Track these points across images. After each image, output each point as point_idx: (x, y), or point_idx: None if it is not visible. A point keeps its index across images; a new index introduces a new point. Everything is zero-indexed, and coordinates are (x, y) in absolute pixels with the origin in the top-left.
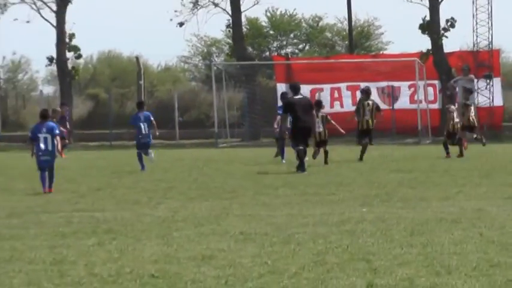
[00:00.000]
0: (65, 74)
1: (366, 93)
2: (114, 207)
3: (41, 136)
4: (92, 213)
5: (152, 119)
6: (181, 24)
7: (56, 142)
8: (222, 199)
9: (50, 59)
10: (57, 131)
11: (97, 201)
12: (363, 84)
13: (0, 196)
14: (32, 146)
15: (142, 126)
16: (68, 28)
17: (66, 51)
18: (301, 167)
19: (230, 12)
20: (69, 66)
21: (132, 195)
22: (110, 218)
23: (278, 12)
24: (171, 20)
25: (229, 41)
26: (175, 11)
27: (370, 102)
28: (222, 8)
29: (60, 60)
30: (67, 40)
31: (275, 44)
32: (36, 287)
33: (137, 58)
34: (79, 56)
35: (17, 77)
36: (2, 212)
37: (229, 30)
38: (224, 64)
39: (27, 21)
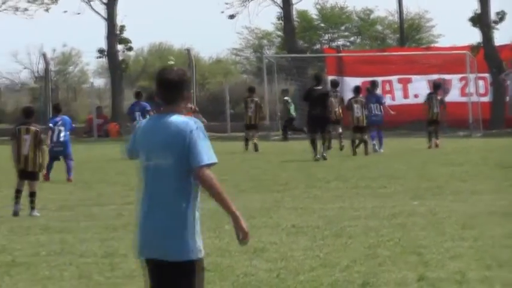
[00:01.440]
0: (115, 67)
1: (356, 90)
2: None
3: (56, 128)
4: None
5: (149, 109)
6: (232, 16)
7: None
8: (274, 192)
9: (101, 52)
10: (71, 126)
11: None
12: (414, 78)
13: (51, 189)
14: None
15: (137, 115)
16: (119, 20)
17: (117, 43)
18: (314, 153)
19: (281, 5)
20: (120, 58)
21: None
22: None
23: (328, 5)
24: (222, 12)
25: (280, 33)
26: (226, 3)
27: (361, 99)
28: (272, 1)
29: (110, 53)
30: (117, 32)
31: (326, 37)
32: (87, 279)
33: (188, 50)
34: (130, 49)
35: (67, 69)
36: (53, 204)
37: (280, 23)
38: (275, 57)
39: (78, 13)
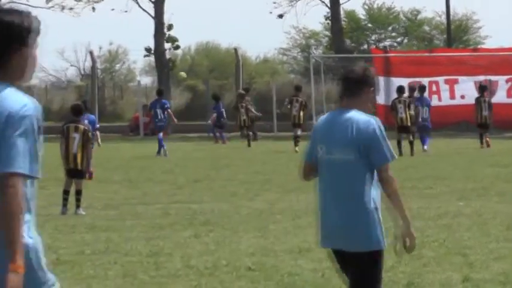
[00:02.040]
0: (162, 65)
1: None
2: (211, 199)
3: None
4: (189, 205)
5: (167, 106)
6: (280, 16)
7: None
8: None
9: (148, 50)
10: (95, 125)
11: (194, 193)
12: (461, 79)
13: (97, 187)
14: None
15: (159, 112)
16: (166, 18)
17: (164, 42)
18: None
19: (329, 5)
20: (167, 57)
21: (229, 187)
22: (207, 210)
23: (375, 6)
24: (270, 12)
25: (328, 33)
26: (274, 3)
27: (404, 99)
28: (320, 0)
29: (158, 51)
30: (165, 31)
31: (373, 37)
32: (132, 278)
33: (236, 49)
34: (177, 47)
35: (114, 67)
36: (99, 203)
37: (328, 23)
38: (323, 56)
39: (125, 11)
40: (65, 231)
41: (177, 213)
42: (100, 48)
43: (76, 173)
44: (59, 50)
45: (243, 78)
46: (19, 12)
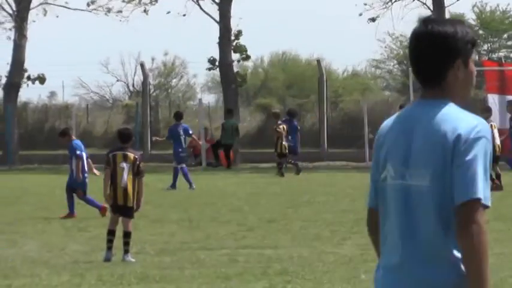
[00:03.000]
0: (229, 80)
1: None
2: (289, 243)
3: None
4: (261, 251)
5: (191, 132)
6: (372, 19)
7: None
8: None
9: (212, 61)
10: (77, 152)
11: (268, 236)
12: None
13: (150, 228)
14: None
15: (182, 140)
16: (234, 24)
17: (231, 51)
18: None
19: (431, 7)
20: (235, 70)
21: (311, 229)
22: (284, 257)
23: (488, 8)
24: (360, 14)
25: None
26: (365, 4)
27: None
28: (421, 2)
29: (223, 63)
30: (232, 38)
31: (485, 47)
32: None
33: (318, 61)
34: (247, 58)
35: (170, 83)
36: (152, 247)
37: None
38: None
39: (183, 15)
40: (110, 282)
41: (247, 260)
42: (153, 59)
43: (125, 210)
44: (103, 61)
45: (328, 96)
46: (458, 23)
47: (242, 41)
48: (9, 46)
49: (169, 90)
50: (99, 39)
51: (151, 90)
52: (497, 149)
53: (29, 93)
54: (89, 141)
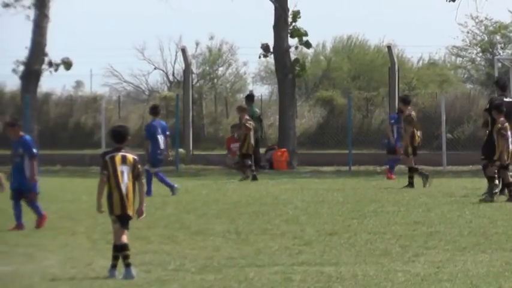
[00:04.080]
0: (285, 69)
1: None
2: (353, 259)
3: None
4: (321, 268)
5: (168, 133)
6: None
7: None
8: (506, 250)
9: (265, 48)
10: (34, 150)
11: (329, 251)
12: None
13: (191, 242)
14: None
15: (160, 139)
16: (292, 3)
17: (288, 36)
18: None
19: None
20: (292, 57)
21: (378, 243)
22: (347, 275)
23: None
24: None
25: None
26: None
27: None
28: None
29: (278, 49)
30: (289, 20)
31: None
32: None
33: (389, 48)
34: (307, 44)
35: (216, 72)
36: (192, 264)
37: None
38: None
39: None
40: None
41: (304, 279)
42: (197, 44)
43: (122, 219)
44: (138, 46)
45: (400, 87)
46: None
47: (301, 23)
48: (29, 27)
49: (215, 81)
50: (133, 20)
51: (194, 80)
52: None
53: (51, 83)
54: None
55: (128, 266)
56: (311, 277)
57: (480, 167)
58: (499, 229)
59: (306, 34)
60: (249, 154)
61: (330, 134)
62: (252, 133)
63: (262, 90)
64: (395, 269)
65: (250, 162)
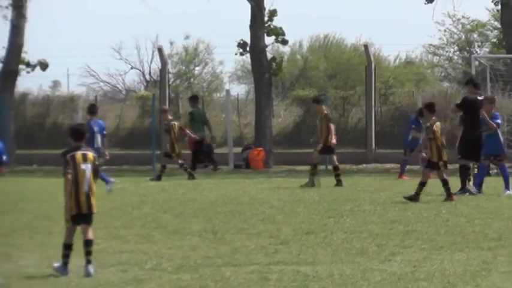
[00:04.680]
0: (262, 68)
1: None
2: (329, 258)
3: None
4: (297, 267)
5: (105, 132)
6: (430, 0)
7: None
8: (483, 249)
9: (242, 45)
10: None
11: (305, 250)
12: None
13: (168, 241)
14: None
15: (97, 138)
16: (268, 2)
17: (265, 35)
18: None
19: None
20: (269, 56)
21: (355, 242)
22: (324, 274)
23: None
24: None
25: (498, 24)
26: None
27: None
28: None
29: (255, 48)
30: (266, 19)
31: None
32: None
33: (366, 47)
34: (283, 42)
35: (192, 71)
36: (169, 263)
37: (497, 10)
38: (489, 57)
39: None
40: None
41: (280, 278)
42: (172, 43)
43: (85, 217)
44: (115, 46)
45: (376, 87)
46: None
47: (277, 22)
48: (6, 27)
49: (192, 80)
50: (110, 20)
51: (171, 80)
52: None
53: (28, 83)
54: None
55: (90, 262)
56: (287, 276)
57: (457, 165)
58: (476, 228)
59: (282, 33)
60: (170, 154)
61: (306, 133)
62: (173, 134)
63: (239, 90)
64: (372, 268)
65: (165, 164)
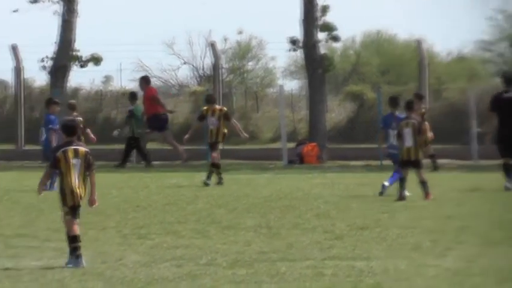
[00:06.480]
0: (314, 64)
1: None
2: (384, 253)
3: None
4: (352, 262)
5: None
6: None
7: None
8: None
9: (293, 42)
10: None
11: (360, 245)
12: None
13: (222, 236)
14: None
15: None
16: None
17: (317, 30)
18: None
19: None
20: (321, 52)
21: (409, 238)
22: (378, 270)
23: None
24: None
25: None
26: None
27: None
28: None
29: (307, 44)
30: (318, 15)
31: None
32: None
33: (418, 43)
34: (335, 39)
35: (245, 67)
36: (224, 258)
37: None
38: None
39: None
40: None
41: (335, 273)
42: (225, 39)
43: (76, 209)
44: (167, 41)
45: (429, 83)
46: None
47: (330, 18)
48: (57, 23)
49: (245, 75)
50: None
51: (224, 75)
52: None
53: (80, 78)
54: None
55: (78, 257)
56: (342, 271)
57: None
58: None
59: (335, 28)
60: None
61: (359, 128)
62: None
63: (292, 85)
64: (426, 264)
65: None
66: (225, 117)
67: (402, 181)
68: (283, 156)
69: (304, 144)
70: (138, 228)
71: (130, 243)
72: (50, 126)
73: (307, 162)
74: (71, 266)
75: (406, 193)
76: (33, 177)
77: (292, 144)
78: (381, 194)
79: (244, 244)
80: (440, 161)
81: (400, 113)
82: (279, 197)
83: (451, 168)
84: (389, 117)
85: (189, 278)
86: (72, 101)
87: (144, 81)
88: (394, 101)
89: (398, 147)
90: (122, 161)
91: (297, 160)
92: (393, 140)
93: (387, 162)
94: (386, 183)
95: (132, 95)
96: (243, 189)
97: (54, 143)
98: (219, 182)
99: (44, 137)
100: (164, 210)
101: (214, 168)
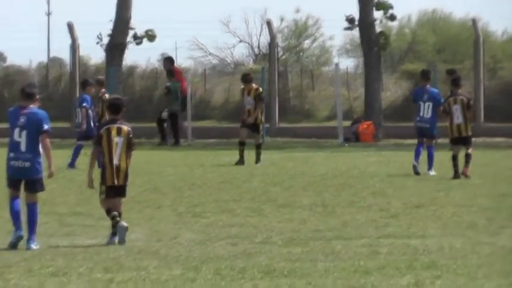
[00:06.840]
0: (370, 42)
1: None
2: (439, 232)
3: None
4: (407, 241)
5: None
6: None
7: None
8: None
9: (350, 20)
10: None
11: (415, 224)
12: None
13: (278, 214)
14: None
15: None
16: None
17: (373, 9)
18: None
19: None
20: (377, 30)
21: (464, 216)
22: (433, 248)
23: None
24: None
25: None
26: None
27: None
28: None
29: (364, 22)
30: None
31: None
32: None
33: (474, 21)
34: (392, 17)
35: (301, 45)
36: (279, 237)
37: None
38: None
39: None
40: (230, 276)
41: (390, 251)
42: (282, 18)
43: (121, 190)
44: (223, 19)
45: (484, 62)
46: None
47: None
48: (113, 1)
49: (301, 54)
50: None
51: (280, 54)
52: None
53: (136, 56)
54: (207, 112)
55: (114, 234)
56: (397, 250)
57: None
58: None
59: (391, 7)
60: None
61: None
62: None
63: (348, 63)
64: (481, 241)
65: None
66: (257, 97)
67: (455, 159)
68: (339, 134)
69: (360, 123)
70: (193, 207)
71: (186, 221)
72: (84, 104)
73: (363, 140)
74: (110, 242)
75: (431, 172)
76: (88, 155)
77: (347, 123)
78: (417, 173)
79: (300, 222)
80: (495, 140)
81: (430, 87)
82: (334, 175)
83: (506, 146)
84: (421, 91)
85: (244, 256)
86: (101, 77)
87: (169, 61)
88: (426, 75)
89: (441, 124)
90: (175, 140)
91: (353, 138)
92: (424, 113)
93: (442, 140)
94: (415, 163)
95: (169, 72)
96: (298, 167)
97: (84, 122)
98: (257, 162)
99: (79, 118)
100: (219, 189)
101: (257, 149)
